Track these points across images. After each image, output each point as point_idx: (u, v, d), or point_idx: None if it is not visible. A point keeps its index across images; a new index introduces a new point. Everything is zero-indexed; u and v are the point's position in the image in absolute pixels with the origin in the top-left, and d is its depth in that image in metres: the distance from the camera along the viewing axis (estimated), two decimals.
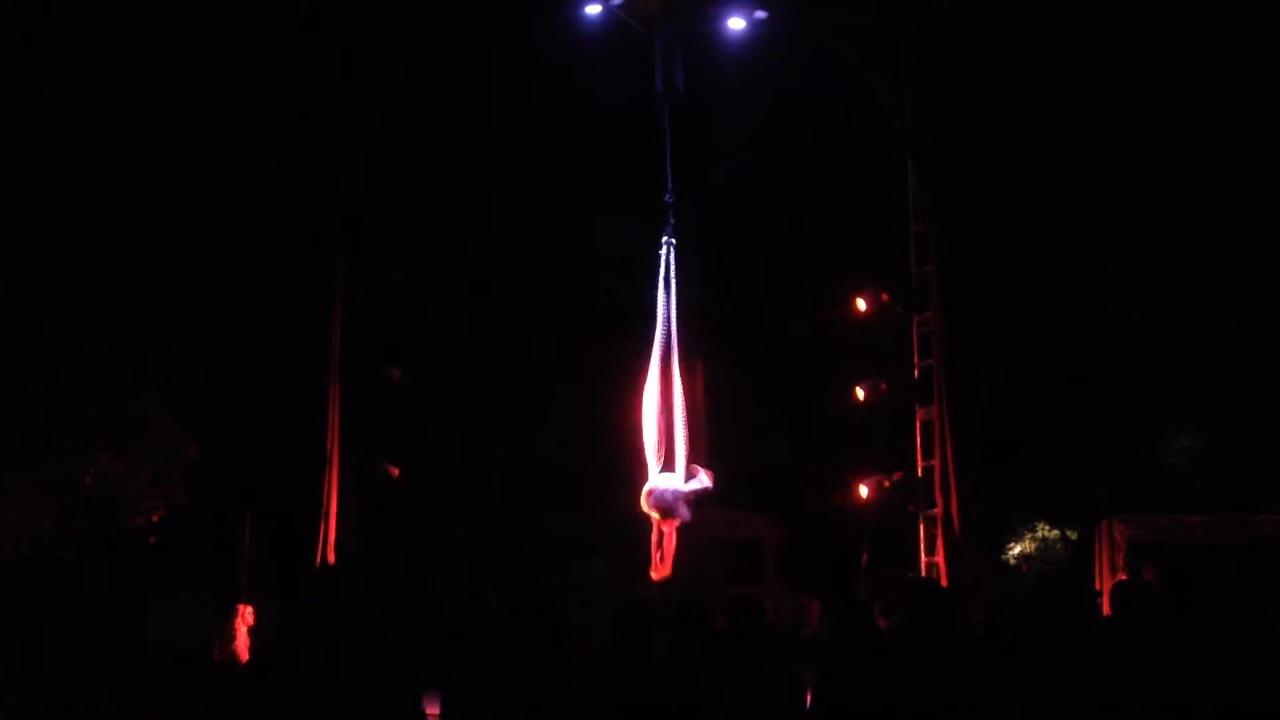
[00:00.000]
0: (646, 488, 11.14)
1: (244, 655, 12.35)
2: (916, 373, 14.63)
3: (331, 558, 12.78)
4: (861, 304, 14.73)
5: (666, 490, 11.07)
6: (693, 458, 11.46)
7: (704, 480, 11.19)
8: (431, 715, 6.03)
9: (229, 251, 15.50)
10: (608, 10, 12.52)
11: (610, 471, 12.33)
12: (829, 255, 17.33)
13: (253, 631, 12.67)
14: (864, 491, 14.54)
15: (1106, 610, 6.83)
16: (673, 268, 11.75)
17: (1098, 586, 14.96)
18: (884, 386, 14.48)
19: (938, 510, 14.09)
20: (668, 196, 11.97)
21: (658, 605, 5.94)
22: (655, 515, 11.10)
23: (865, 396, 14.53)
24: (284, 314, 14.47)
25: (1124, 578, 13.65)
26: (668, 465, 11.31)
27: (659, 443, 11.29)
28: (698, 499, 11.20)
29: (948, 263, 14.31)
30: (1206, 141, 16.90)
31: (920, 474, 14.46)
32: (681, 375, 11.46)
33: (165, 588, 12.73)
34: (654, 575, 11.15)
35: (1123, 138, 17.20)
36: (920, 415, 14.55)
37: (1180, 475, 18.34)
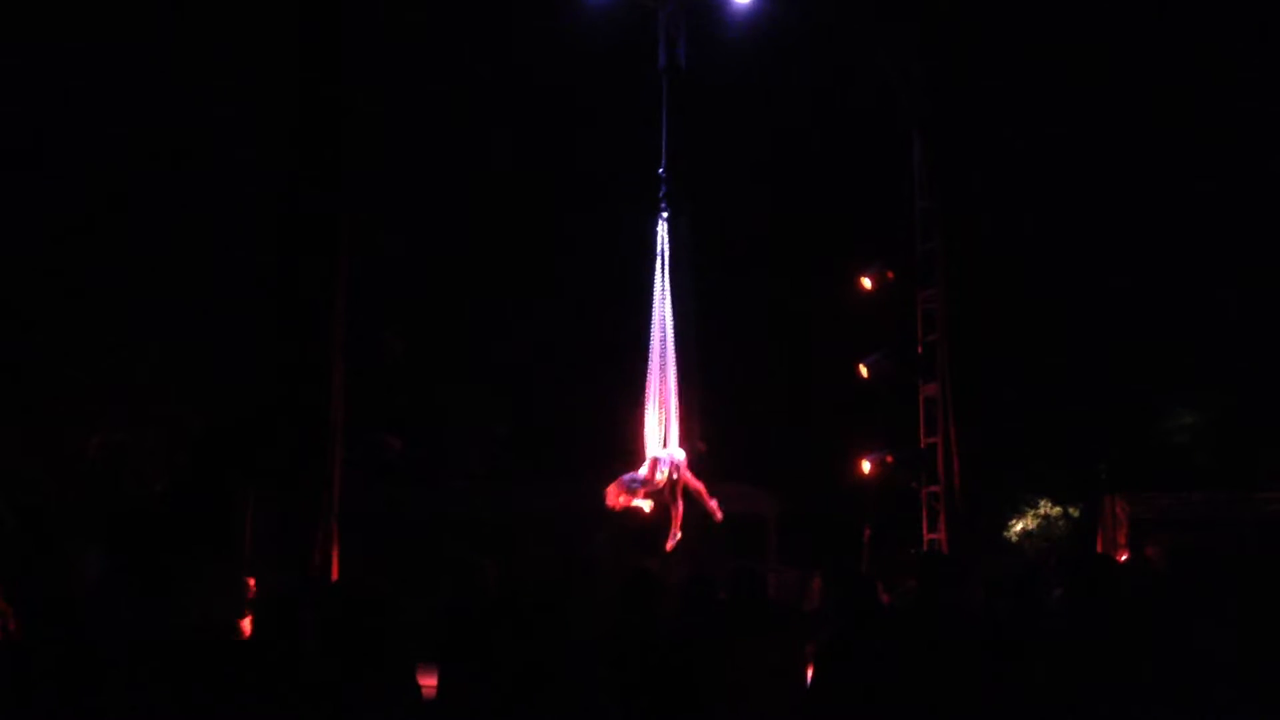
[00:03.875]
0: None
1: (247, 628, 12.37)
2: (920, 349, 14.63)
3: (334, 530, 12.80)
4: (867, 282, 14.72)
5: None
6: (685, 434, 11.56)
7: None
8: (429, 686, 6.04)
9: (229, 222, 15.47)
10: None
11: (613, 444, 12.34)
12: (834, 231, 17.29)
13: (252, 603, 12.69)
14: (867, 467, 14.57)
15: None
16: (666, 241, 11.81)
17: None
18: (888, 362, 14.49)
19: (940, 486, 14.12)
20: (661, 170, 12.00)
21: (662, 578, 5.96)
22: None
23: (869, 373, 14.54)
24: (286, 285, 14.44)
25: (1126, 554, 13.69)
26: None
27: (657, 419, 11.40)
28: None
29: (953, 239, 14.28)
30: (1211, 113, 16.84)
31: (923, 450, 14.48)
32: (675, 351, 11.50)
33: (168, 559, 12.72)
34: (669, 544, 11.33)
35: (1128, 111, 17.14)
36: (923, 391, 14.56)
37: (1183, 452, 18.34)
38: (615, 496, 11.18)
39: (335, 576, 12.45)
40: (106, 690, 5.13)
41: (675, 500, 11.20)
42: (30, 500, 13.32)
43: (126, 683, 5.24)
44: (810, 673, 5.64)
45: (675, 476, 11.17)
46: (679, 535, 11.23)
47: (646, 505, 11.29)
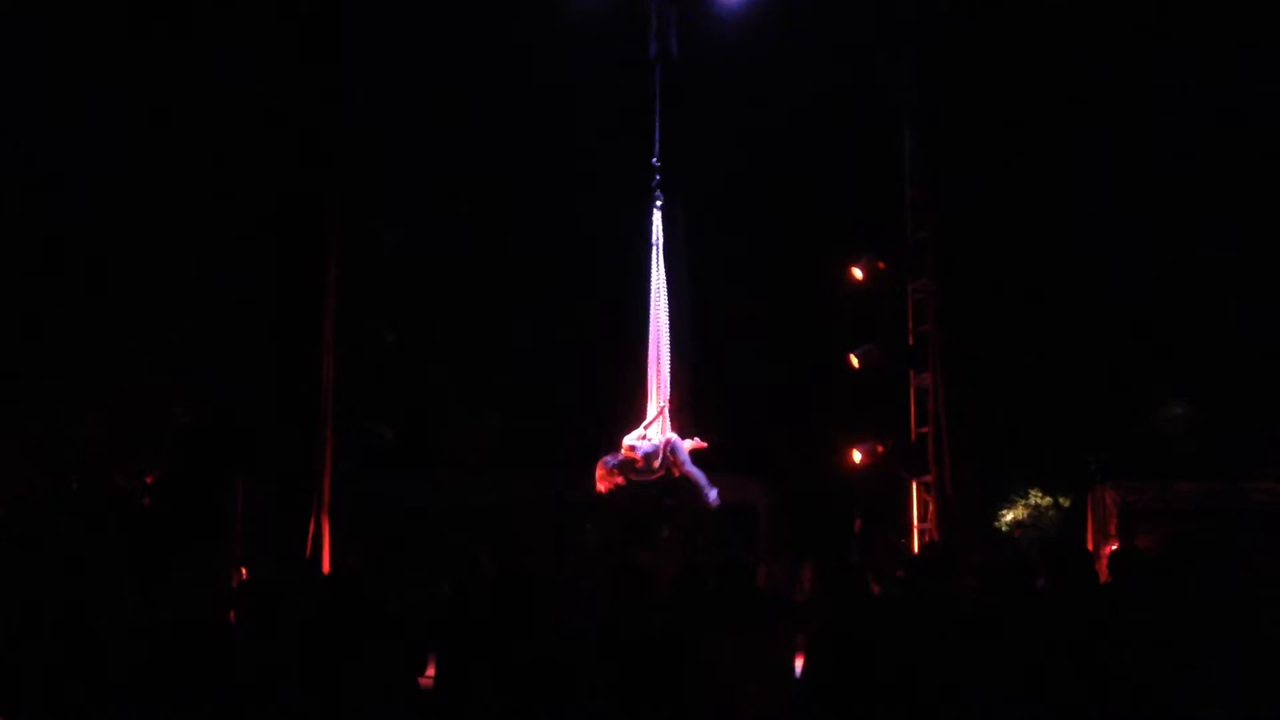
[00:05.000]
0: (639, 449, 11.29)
1: None
2: (911, 339, 14.65)
3: (325, 520, 12.80)
4: (857, 272, 14.72)
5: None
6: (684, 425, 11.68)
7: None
8: (426, 676, 6.06)
9: (218, 211, 15.43)
10: None
11: (605, 434, 12.37)
12: (824, 220, 17.25)
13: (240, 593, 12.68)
14: (857, 457, 14.58)
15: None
16: (660, 229, 11.90)
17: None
18: (879, 352, 14.50)
19: (931, 477, 14.15)
20: (654, 160, 12.07)
21: (652, 568, 5.97)
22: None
23: (859, 363, 14.55)
24: (276, 274, 14.41)
25: (1116, 544, 13.73)
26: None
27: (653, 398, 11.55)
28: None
29: (943, 228, 14.29)
30: (1211, 108, 16.83)
31: (914, 440, 14.51)
32: (670, 340, 11.59)
33: (158, 551, 12.73)
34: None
35: (1121, 101, 17.13)
36: (914, 381, 14.58)
37: (1172, 442, 18.35)
38: (601, 480, 11.30)
39: (327, 567, 12.46)
40: (103, 684, 5.13)
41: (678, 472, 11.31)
42: (21, 494, 13.33)
43: (124, 675, 5.23)
44: (800, 664, 5.65)
45: (668, 459, 11.26)
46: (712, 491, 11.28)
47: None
